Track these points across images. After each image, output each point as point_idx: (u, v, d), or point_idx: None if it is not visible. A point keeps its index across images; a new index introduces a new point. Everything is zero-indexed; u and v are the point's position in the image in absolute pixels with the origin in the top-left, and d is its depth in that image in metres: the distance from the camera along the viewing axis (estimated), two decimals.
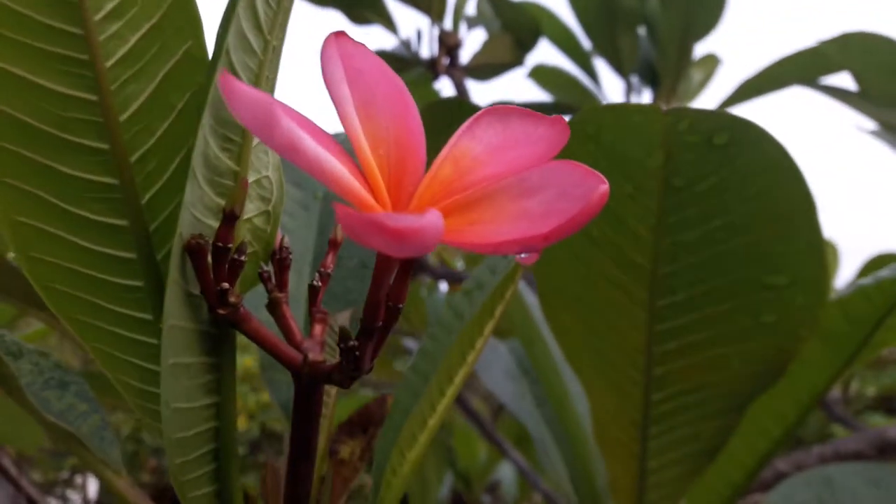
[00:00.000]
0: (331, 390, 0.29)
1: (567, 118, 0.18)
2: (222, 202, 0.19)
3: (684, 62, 1.02)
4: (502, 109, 0.17)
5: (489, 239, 0.14)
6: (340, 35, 0.16)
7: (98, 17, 0.16)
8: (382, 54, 1.07)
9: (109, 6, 0.16)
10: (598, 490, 0.45)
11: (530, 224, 0.14)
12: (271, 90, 0.21)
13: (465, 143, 0.17)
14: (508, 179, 0.15)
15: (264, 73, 0.20)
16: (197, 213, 0.18)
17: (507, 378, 0.61)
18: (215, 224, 0.19)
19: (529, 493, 1.26)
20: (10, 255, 0.26)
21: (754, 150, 0.28)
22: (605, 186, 0.13)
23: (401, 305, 0.19)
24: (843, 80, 0.91)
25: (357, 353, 0.18)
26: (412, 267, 0.18)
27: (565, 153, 0.31)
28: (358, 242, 0.12)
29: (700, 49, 1.14)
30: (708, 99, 1.27)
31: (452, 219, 0.15)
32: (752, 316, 0.33)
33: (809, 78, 0.94)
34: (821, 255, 0.31)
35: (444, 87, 1.06)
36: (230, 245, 0.19)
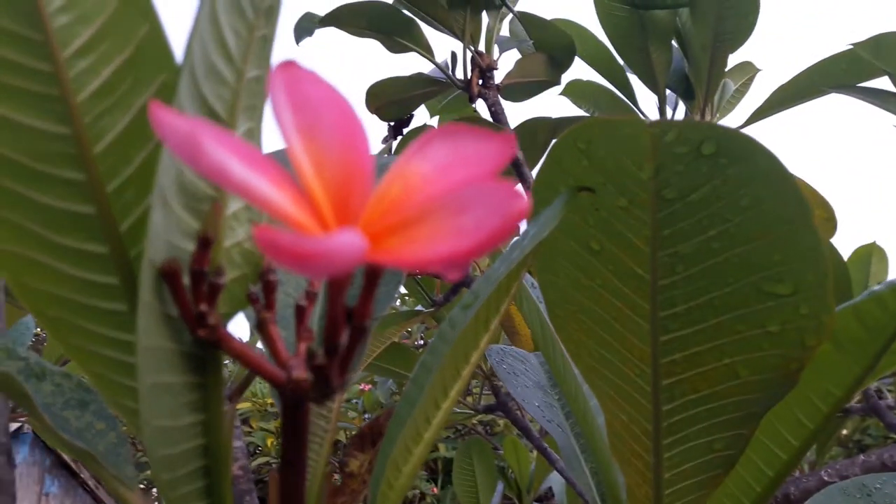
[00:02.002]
0: (332, 405, 0.30)
1: (512, 136, 0.19)
2: (199, 226, 0.20)
3: (717, 73, 1.01)
4: (454, 128, 0.18)
5: (418, 256, 0.14)
6: (288, 64, 0.17)
7: (67, 53, 0.17)
8: (419, 78, 1.09)
9: (78, 43, 0.17)
10: (622, 501, 0.45)
11: (459, 240, 0.14)
12: (255, 119, 0.23)
13: (415, 163, 0.18)
14: (447, 197, 0.16)
15: (240, 102, 0.21)
16: (173, 239, 0.19)
17: (537, 389, 0.61)
18: (192, 247, 0.20)
19: (578, 502, 1.25)
20: None
21: (744, 159, 0.29)
22: (522, 204, 0.14)
23: (366, 323, 0.19)
24: (882, 82, 0.89)
25: (324, 371, 0.19)
26: (375, 285, 0.19)
27: (560, 169, 0.32)
28: (277, 264, 0.12)
29: (737, 57, 1.13)
30: (747, 108, 1.25)
31: (394, 237, 0.16)
32: (756, 326, 0.33)
33: (846, 82, 0.92)
34: (822, 262, 0.31)
35: (482, 108, 1.07)
36: (206, 269, 0.20)
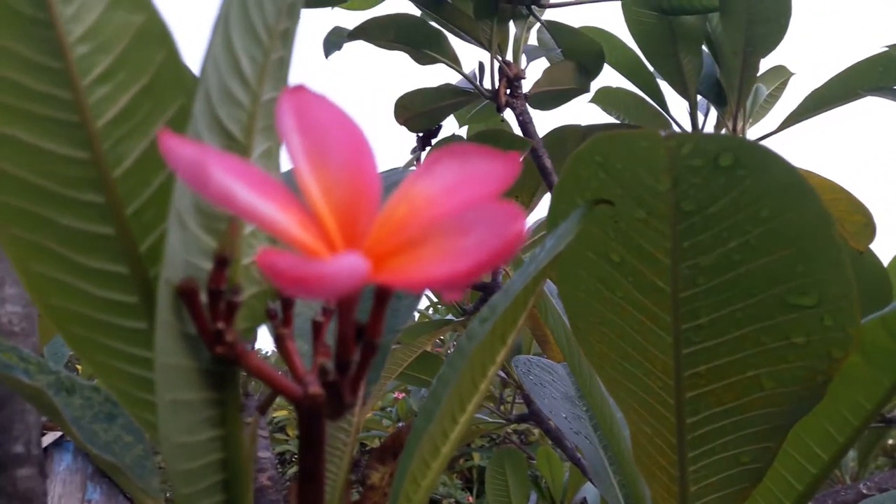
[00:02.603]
0: (352, 419, 0.31)
1: (519, 155, 0.19)
2: (216, 245, 0.21)
3: (749, 78, 1.00)
4: (460, 149, 0.18)
5: (418, 278, 0.15)
6: (297, 89, 0.17)
7: (86, 81, 0.18)
8: (447, 88, 1.10)
9: (97, 71, 0.18)
10: None
11: (459, 261, 0.15)
12: (273, 139, 0.23)
13: (421, 184, 0.18)
14: (451, 218, 0.16)
15: (257, 123, 0.21)
16: (192, 258, 0.20)
17: (565, 400, 0.61)
18: (210, 266, 0.21)
19: None
20: None
21: (762, 171, 0.28)
22: (520, 226, 0.14)
23: (377, 340, 0.20)
24: None
25: (336, 387, 0.20)
26: (385, 304, 0.20)
27: (578, 182, 0.32)
28: (279, 288, 0.13)
29: (769, 61, 1.12)
30: (781, 112, 1.23)
31: (397, 258, 0.16)
32: (780, 338, 0.33)
33: (883, 85, 0.90)
34: (846, 274, 0.30)
35: (510, 117, 1.07)
36: (223, 287, 0.21)
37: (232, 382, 0.22)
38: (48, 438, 3.56)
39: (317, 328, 0.25)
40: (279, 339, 0.24)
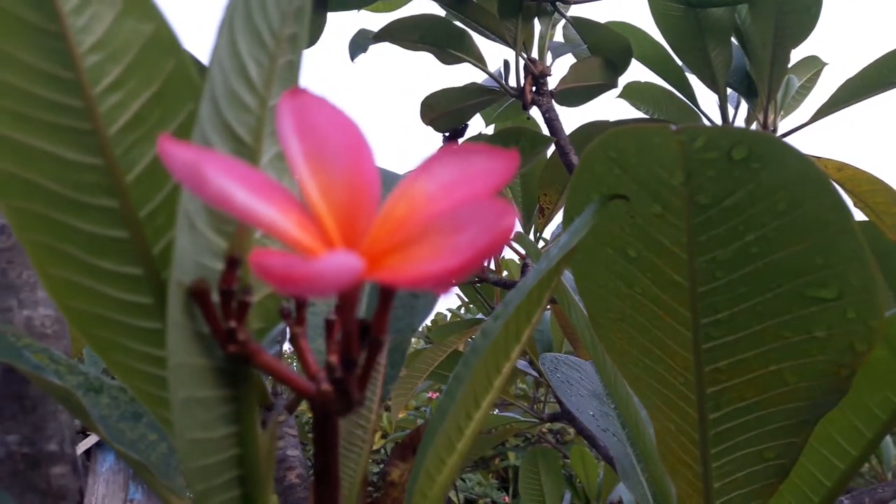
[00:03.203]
0: (369, 416, 0.31)
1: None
2: (226, 245, 0.21)
3: (780, 69, 0.98)
4: (460, 147, 0.19)
5: (410, 275, 0.15)
6: (296, 92, 0.18)
7: (97, 90, 0.19)
8: (472, 87, 1.10)
9: (108, 80, 0.19)
10: None
11: (452, 258, 0.15)
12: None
13: (420, 182, 0.18)
14: (446, 216, 0.16)
15: (266, 127, 0.22)
16: (202, 259, 0.20)
17: (592, 398, 0.61)
18: (221, 267, 0.21)
19: None
20: None
21: (776, 163, 0.28)
22: (509, 221, 0.14)
23: (382, 337, 0.20)
24: None
25: (343, 384, 0.20)
26: (389, 301, 0.20)
27: (592, 178, 0.32)
28: (274, 287, 0.13)
29: (801, 52, 1.10)
30: (814, 103, 1.21)
31: (393, 256, 0.16)
32: (801, 331, 0.32)
33: None
34: (867, 265, 0.30)
35: (537, 115, 1.07)
36: (234, 288, 0.21)
37: (246, 380, 0.23)
38: (91, 439, 3.64)
39: (329, 326, 0.26)
40: (293, 338, 0.25)
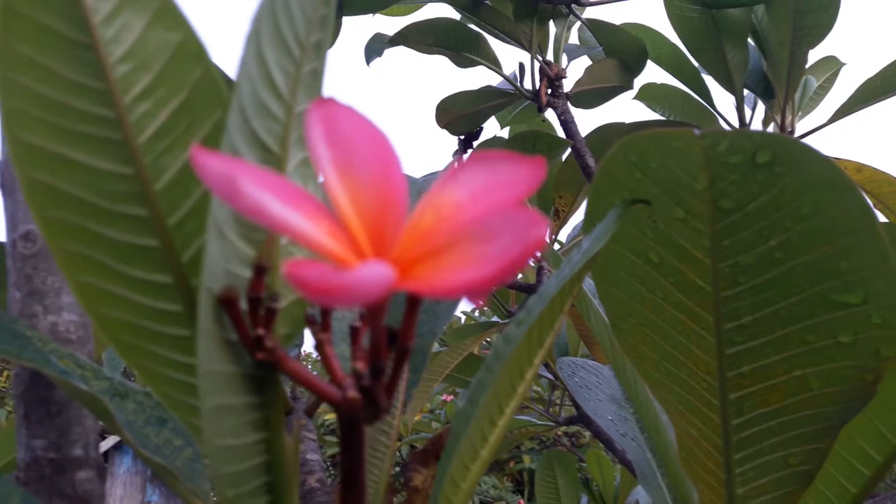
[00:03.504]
0: (392, 422, 0.31)
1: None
2: (254, 253, 0.21)
3: (798, 70, 0.98)
4: (486, 155, 0.19)
5: (442, 285, 0.15)
6: (324, 101, 0.18)
7: (127, 99, 0.19)
8: (487, 90, 1.10)
9: (137, 89, 0.19)
10: None
11: (483, 267, 0.15)
12: (307, 149, 0.24)
13: (448, 190, 0.18)
14: (475, 225, 0.16)
15: (292, 134, 0.22)
16: (231, 267, 0.20)
17: (611, 402, 0.61)
18: (249, 275, 0.21)
19: None
20: None
21: (801, 167, 0.28)
22: (541, 231, 0.14)
23: (409, 345, 0.20)
24: None
25: (371, 392, 0.20)
26: (416, 310, 0.20)
27: (613, 182, 0.31)
28: (308, 298, 0.13)
29: (818, 52, 1.09)
30: (832, 104, 1.20)
31: (423, 265, 0.16)
32: (826, 336, 0.32)
33: None
34: (893, 269, 0.29)
35: (552, 117, 1.07)
36: (262, 295, 0.21)
37: (273, 386, 0.23)
38: (109, 441, 3.67)
39: (354, 333, 0.26)
40: (319, 344, 0.25)
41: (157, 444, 0.31)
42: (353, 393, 0.23)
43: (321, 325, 0.25)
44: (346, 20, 1.00)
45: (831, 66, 1.15)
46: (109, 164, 0.19)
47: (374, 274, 0.13)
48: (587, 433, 2.96)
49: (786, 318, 0.32)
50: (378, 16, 1.06)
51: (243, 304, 0.21)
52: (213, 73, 0.21)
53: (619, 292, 0.36)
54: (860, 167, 1.01)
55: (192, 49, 0.20)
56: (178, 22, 0.19)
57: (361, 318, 0.26)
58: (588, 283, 0.47)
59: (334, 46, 1.03)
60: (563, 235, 1.28)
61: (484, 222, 0.16)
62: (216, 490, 0.21)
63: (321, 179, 0.17)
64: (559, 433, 2.87)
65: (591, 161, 1.01)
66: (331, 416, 3.55)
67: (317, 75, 0.23)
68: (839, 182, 0.28)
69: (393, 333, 0.20)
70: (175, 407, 0.23)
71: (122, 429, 0.30)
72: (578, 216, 1.23)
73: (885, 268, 0.29)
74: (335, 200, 0.17)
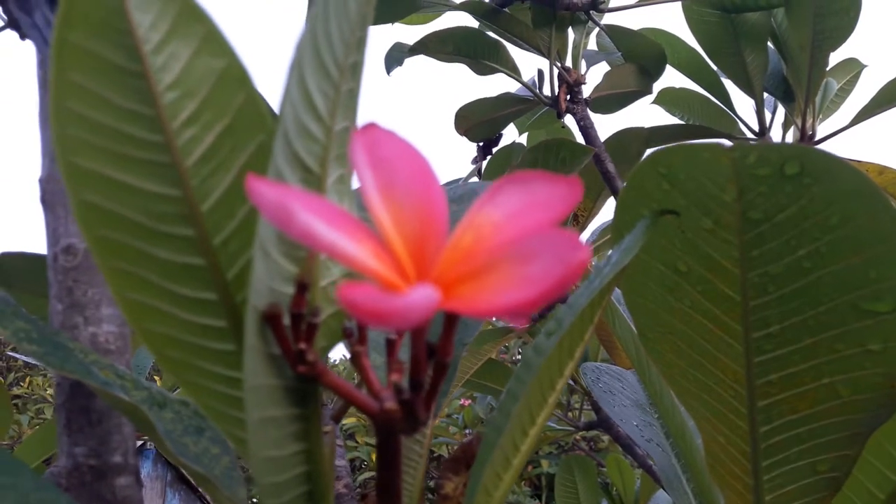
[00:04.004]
0: (426, 431, 0.32)
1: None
2: (297, 270, 0.22)
3: (818, 73, 0.97)
4: (523, 175, 0.19)
5: (486, 306, 0.16)
6: (368, 126, 0.19)
7: (175, 125, 0.20)
8: (506, 97, 1.10)
9: (185, 115, 0.20)
10: None
11: (523, 289, 0.15)
12: (345, 165, 0.24)
13: (486, 211, 0.19)
14: (514, 245, 0.17)
15: (331, 153, 0.23)
16: (274, 284, 0.21)
17: (635, 407, 0.61)
18: (291, 291, 0.22)
19: None
20: None
21: (829, 178, 0.28)
22: (584, 255, 0.15)
23: (448, 360, 0.21)
24: None
25: (410, 405, 0.21)
26: (454, 327, 0.20)
27: (642, 193, 0.32)
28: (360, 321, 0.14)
29: (840, 54, 1.09)
30: (854, 106, 1.19)
31: (465, 285, 0.17)
32: (855, 344, 0.32)
33: None
34: None
35: (570, 121, 1.07)
36: (304, 310, 0.22)
37: (313, 398, 0.23)
38: None
39: (390, 345, 0.26)
40: (355, 356, 0.25)
41: (195, 452, 0.32)
42: (390, 404, 0.24)
43: (358, 338, 0.25)
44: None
45: (852, 69, 1.14)
46: (158, 186, 0.20)
47: (423, 298, 0.14)
48: (606, 437, 2.94)
49: (814, 326, 0.32)
50: (397, 24, 1.07)
51: (286, 320, 0.22)
52: (255, 98, 0.21)
53: (647, 301, 0.36)
54: (882, 169, 1.00)
55: (235, 75, 0.20)
56: (223, 49, 0.20)
57: (396, 330, 0.27)
58: (614, 291, 0.48)
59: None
60: (582, 240, 1.28)
61: (523, 243, 0.17)
62: (259, 499, 0.22)
63: (365, 201, 0.18)
64: (577, 437, 2.86)
65: (610, 167, 1.01)
66: (349, 421, 3.57)
67: (353, 95, 0.24)
68: (867, 192, 0.28)
69: (431, 348, 0.21)
70: (218, 419, 0.24)
71: (163, 438, 0.30)
72: (597, 221, 1.22)
73: None
74: (379, 222, 0.17)
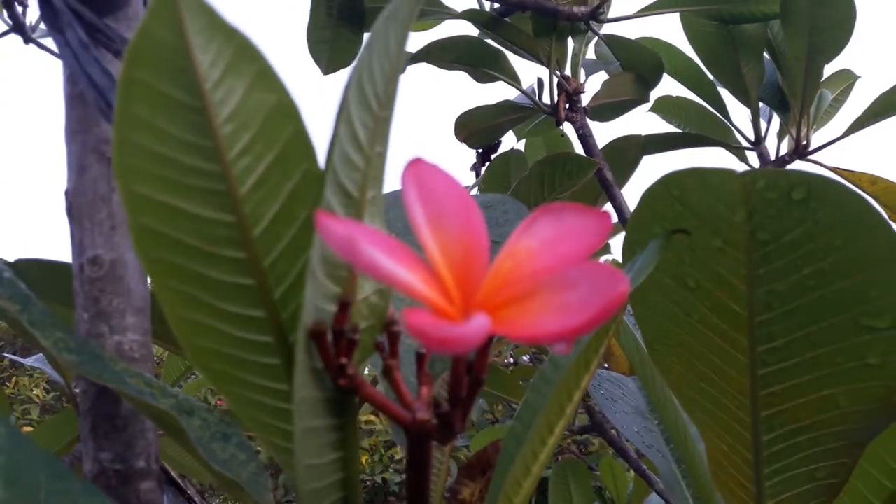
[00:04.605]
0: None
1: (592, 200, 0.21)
2: (339, 290, 0.23)
3: (813, 84, 0.99)
4: (557, 207, 0.21)
5: (531, 333, 0.17)
6: (416, 161, 0.20)
7: (231, 155, 0.21)
8: (506, 105, 1.12)
9: (240, 146, 0.21)
10: None
11: (567, 317, 0.17)
12: (378, 186, 0.26)
13: (524, 240, 0.20)
14: (554, 274, 0.18)
15: (369, 176, 0.24)
16: (319, 303, 0.23)
17: (636, 414, 0.62)
18: (334, 309, 0.23)
19: None
20: None
21: (834, 202, 0.30)
22: (623, 287, 0.16)
23: (483, 376, 0.22)
24: None
25: (448, 417, 0.22)
26: (491, 344, 0.22)
27: (654, 213, 0.33)
28: (424, 347, 0.15)
29: (834, 65, 1.10)
30: (847, 117, 1.21)
31: (507, 310, 0.18)
32: (855, 358, 0.34)
33: None
34: None
35: (569, 131, 1.09)
36: (345, 327, 0.23)
37: (351, 409, 0.25)
38: None
39: (420, 359, 0.28)
40: (387, 370, 0.27)
41: (223, 458, 0.33)
42: (422, 415, 0.25)
43: (390, 352, 0.27)
44: (366, 37, 1.02)
45: (846, 80, 1.16)
46: (213, 212, 0.21)
47: (480, 326, 0.15)
48: (596, 440, 2.96)
49: (817, 341, 0.34)
50: None
51: (329, 336, 0.23)
52: (302, 129, 0.23)
53: (656, 314, 0.38)
54: (875, 179, 1.03)
55: (286, 109, 0.22)
56: (275, 85, 0.21)
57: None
58: None
59: (353, 63, 1.05)
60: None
61: (562, 271, 0.18)
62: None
63: (415, 233, 0.19)
64: (568, 441, 2.87)
65: (608, 174, 1.02)
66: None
67: (388, 122, 0.25)
68: (869, 217, 0.30)
69: (468, 365, 0.22)
70: (260, 428, 0.25)
71: (194, 445, 0.32)
72: None
73: None
74: (429, 252, 0.19)
